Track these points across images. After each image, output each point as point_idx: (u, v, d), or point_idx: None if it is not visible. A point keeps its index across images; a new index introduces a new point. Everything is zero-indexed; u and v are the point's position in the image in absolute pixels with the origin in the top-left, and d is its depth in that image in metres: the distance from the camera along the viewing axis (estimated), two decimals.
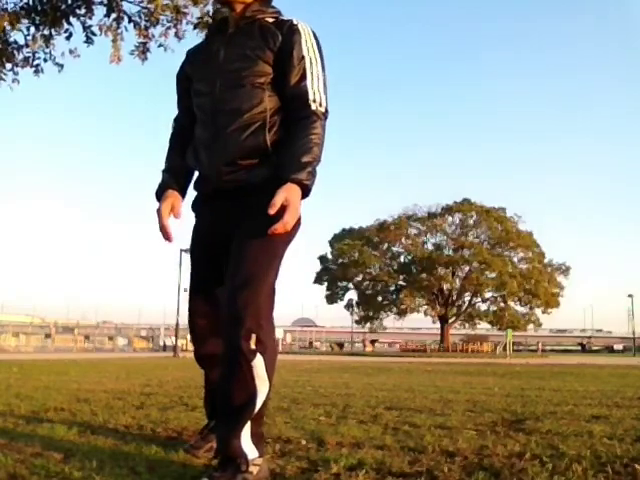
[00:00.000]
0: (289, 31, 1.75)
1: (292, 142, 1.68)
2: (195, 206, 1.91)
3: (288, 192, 1.58)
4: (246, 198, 1.71)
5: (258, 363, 1.57)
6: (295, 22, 1.78)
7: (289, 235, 1.68)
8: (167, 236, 1.79)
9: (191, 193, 1.93)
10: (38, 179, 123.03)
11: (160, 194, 1.85)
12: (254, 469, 1.54)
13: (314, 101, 1.71)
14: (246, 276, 1.60)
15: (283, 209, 1.56)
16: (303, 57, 1.73)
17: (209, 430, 1.95)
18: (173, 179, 1.87)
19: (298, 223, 1.67)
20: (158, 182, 1.89)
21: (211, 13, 5.04)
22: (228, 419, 1.59)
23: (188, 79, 1.89)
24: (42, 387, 4.92)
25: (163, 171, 1.91)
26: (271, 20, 1.80)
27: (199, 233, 1.88)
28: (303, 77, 1.72)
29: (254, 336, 1.56)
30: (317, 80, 1.74)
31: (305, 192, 1.63)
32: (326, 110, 1.74)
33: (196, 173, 1.88)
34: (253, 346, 1.55)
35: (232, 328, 1.56)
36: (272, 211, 1.55)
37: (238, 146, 1.70)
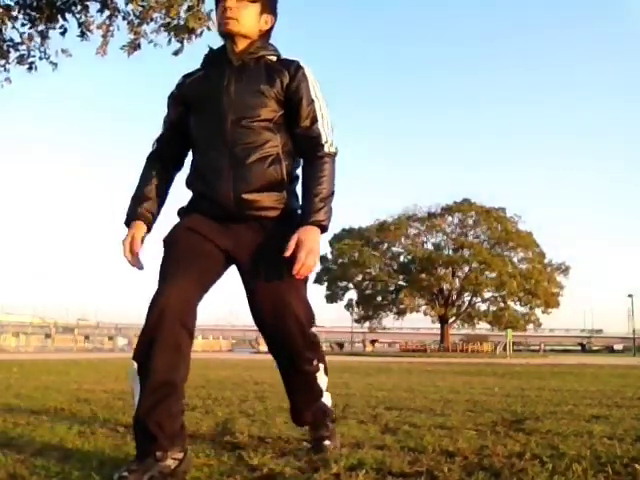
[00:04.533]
0: (296, 73, 1.81)
1: (310, 183, 1.79)
2: (187, 213, 1.86)
3: (305, 234, 1.70)
4: (263, 226, 1.78)
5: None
6: (302, 64, 1.84)
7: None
8: (134, 265, 1.81)
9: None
10: (37, 178, 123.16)
11: (128, 223, 1.84)
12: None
13: (326, 142, 1.81)
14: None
15: (297, 249, 1.68)
16: (313, 100, 1.81)
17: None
18: (144, 209, 1.85)
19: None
20: (127, 207, 1.86)
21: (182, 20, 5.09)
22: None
23: (185, 104, 1.88)
24: (42, 387, 4.92)
25: (134, 197, 1.87)
26: (274, 59, 1.85)
27: (189, 233, 1.79)
28: (315, 120, 1.81)
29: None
30: (327, 122, 1.83)
31: (323, 230, 1.76)
32: (336, 149, 1.84)
33: (189, 193, 1.88)
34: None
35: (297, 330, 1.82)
36: (287, 253, 1.67)
37: (260, 177, 1.75)
